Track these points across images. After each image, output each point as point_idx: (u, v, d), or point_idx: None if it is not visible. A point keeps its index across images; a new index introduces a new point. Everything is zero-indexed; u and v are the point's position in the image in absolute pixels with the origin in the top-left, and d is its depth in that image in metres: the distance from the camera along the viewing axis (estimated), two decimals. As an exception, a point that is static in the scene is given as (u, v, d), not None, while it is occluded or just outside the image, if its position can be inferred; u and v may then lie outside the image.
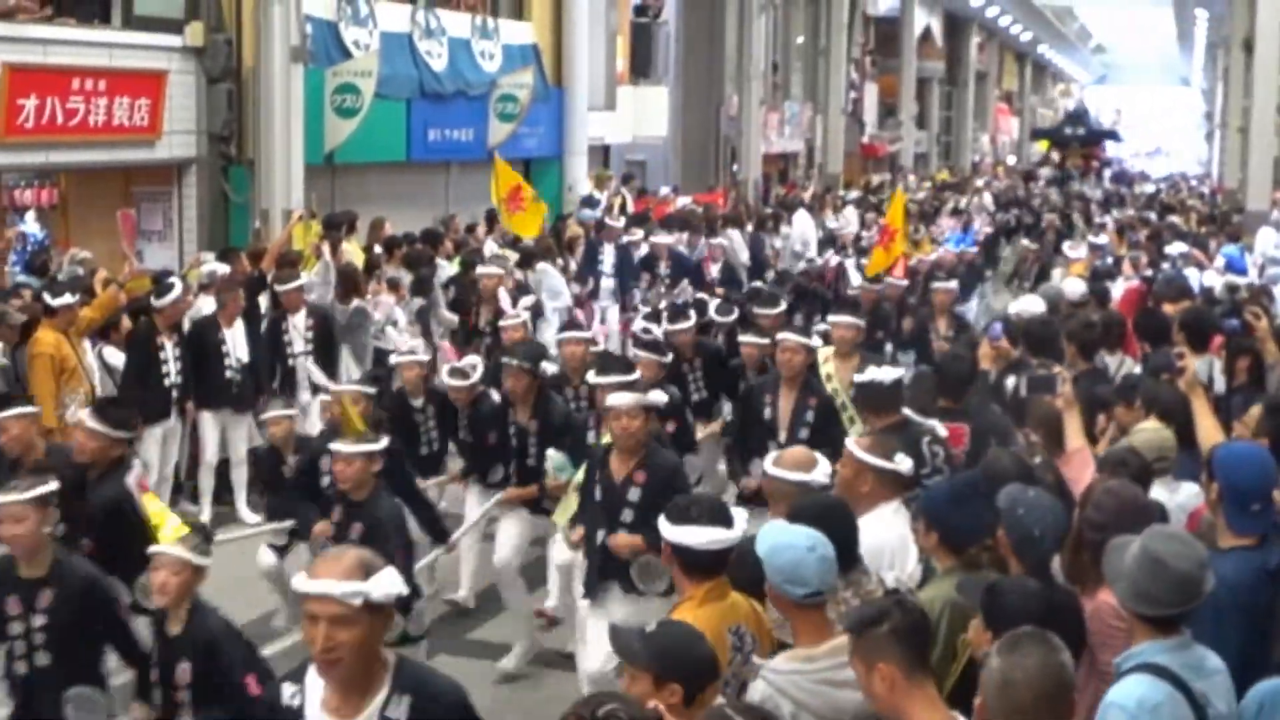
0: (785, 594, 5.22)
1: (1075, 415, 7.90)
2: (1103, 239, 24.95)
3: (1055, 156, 56.54)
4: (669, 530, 5.69)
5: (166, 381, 13.08)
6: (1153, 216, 32.73)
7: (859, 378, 8.81)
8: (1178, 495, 7.25)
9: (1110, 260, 20.45)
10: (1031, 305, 13.58)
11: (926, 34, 57.74)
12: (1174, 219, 31.00)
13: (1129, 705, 4.64)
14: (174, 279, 13.52)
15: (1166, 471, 7.37)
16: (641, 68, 31.16)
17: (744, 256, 23.34)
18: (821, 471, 6.65)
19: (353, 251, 17.14)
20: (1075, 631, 5.56)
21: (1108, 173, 57.02)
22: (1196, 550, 4.99)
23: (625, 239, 20.47)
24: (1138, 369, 10.87)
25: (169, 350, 13.11)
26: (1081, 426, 7.93)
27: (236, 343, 13.73)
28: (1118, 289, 16.28)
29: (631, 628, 4.91)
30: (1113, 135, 66.20)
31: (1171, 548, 4.87)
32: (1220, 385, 10.25)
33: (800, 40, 43.33)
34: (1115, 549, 4.97)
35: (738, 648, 5.45)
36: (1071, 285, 15.72)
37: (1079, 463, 7.45)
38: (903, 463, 6.86)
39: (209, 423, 13.67)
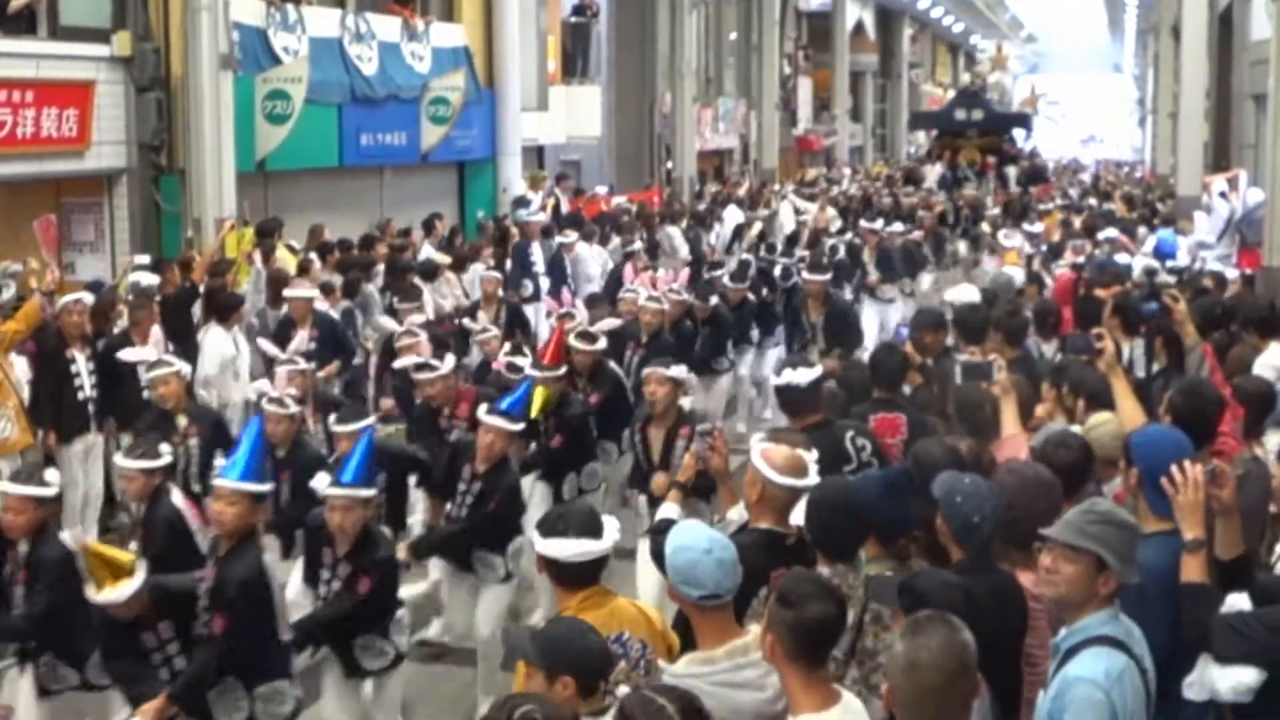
0: (683, 595, 5.24)
1: (1011, 401, 7.95)
2: (1038, 226, 25.15)
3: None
4: (540, 543, 5.79)
5: (81, 395, 12.54)
6: (1092, 203, 32.92)
7: (776, 381, 8.36)
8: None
9: (1045, 248, 20.57)
10: (965, 294, 13.60)
11: (859, 27, 58.05)
12: (1110, 205, 31.25)
13: (1098, 678, 4.72)
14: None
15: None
16: (573, 67, 31.15)
17: (683, 252, 23.41)
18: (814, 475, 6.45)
19: (285, 258, 17.03)
20: (1019, 613, 5.61)
21: (1012, 172, 43.16)
22: None
23: (558, 240, 20.49)
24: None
25: (81, 363, 12.56)
26: (1017, 412, 7.98)
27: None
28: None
29: (522, 626, 5.00)
30: (1022, 121, 52.62)
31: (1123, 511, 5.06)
32: (1141, 369, 10.28)
33: (733, 36, 43.44)
34: (1088, 529, 4.95)
35: (620, 655, 5.37)
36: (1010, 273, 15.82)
37: (1012, 448, 7.48)
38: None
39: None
